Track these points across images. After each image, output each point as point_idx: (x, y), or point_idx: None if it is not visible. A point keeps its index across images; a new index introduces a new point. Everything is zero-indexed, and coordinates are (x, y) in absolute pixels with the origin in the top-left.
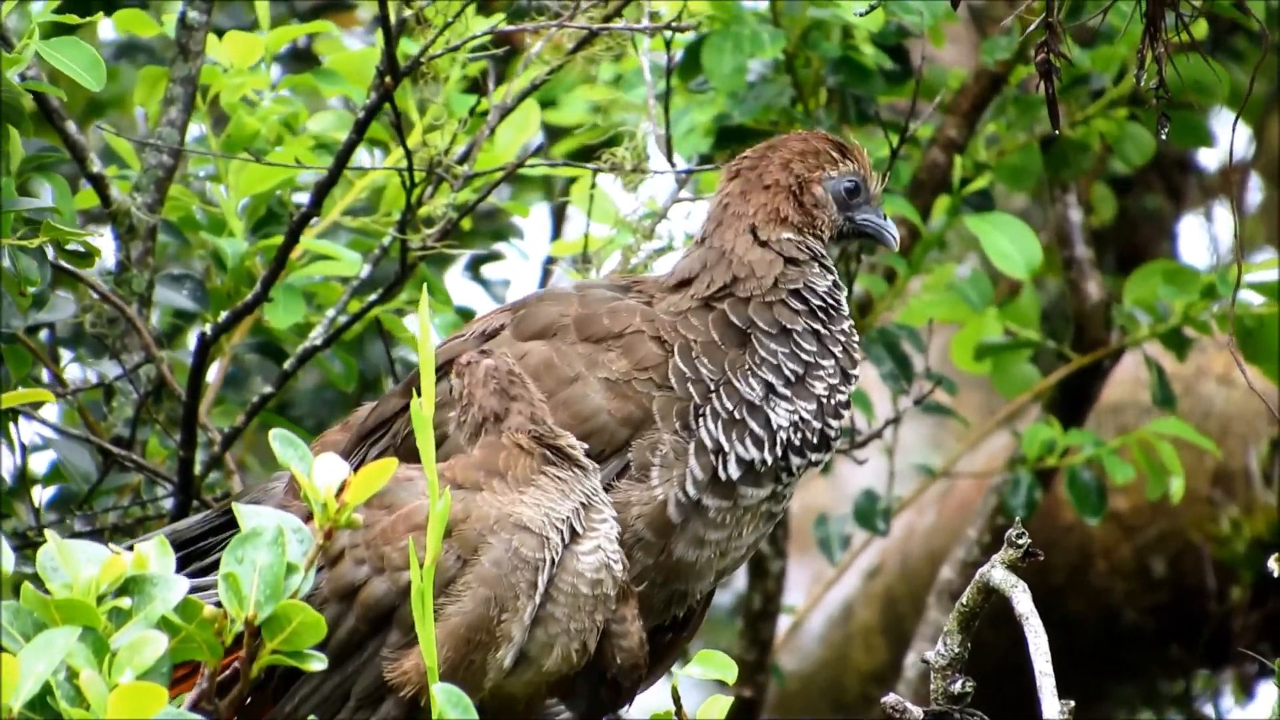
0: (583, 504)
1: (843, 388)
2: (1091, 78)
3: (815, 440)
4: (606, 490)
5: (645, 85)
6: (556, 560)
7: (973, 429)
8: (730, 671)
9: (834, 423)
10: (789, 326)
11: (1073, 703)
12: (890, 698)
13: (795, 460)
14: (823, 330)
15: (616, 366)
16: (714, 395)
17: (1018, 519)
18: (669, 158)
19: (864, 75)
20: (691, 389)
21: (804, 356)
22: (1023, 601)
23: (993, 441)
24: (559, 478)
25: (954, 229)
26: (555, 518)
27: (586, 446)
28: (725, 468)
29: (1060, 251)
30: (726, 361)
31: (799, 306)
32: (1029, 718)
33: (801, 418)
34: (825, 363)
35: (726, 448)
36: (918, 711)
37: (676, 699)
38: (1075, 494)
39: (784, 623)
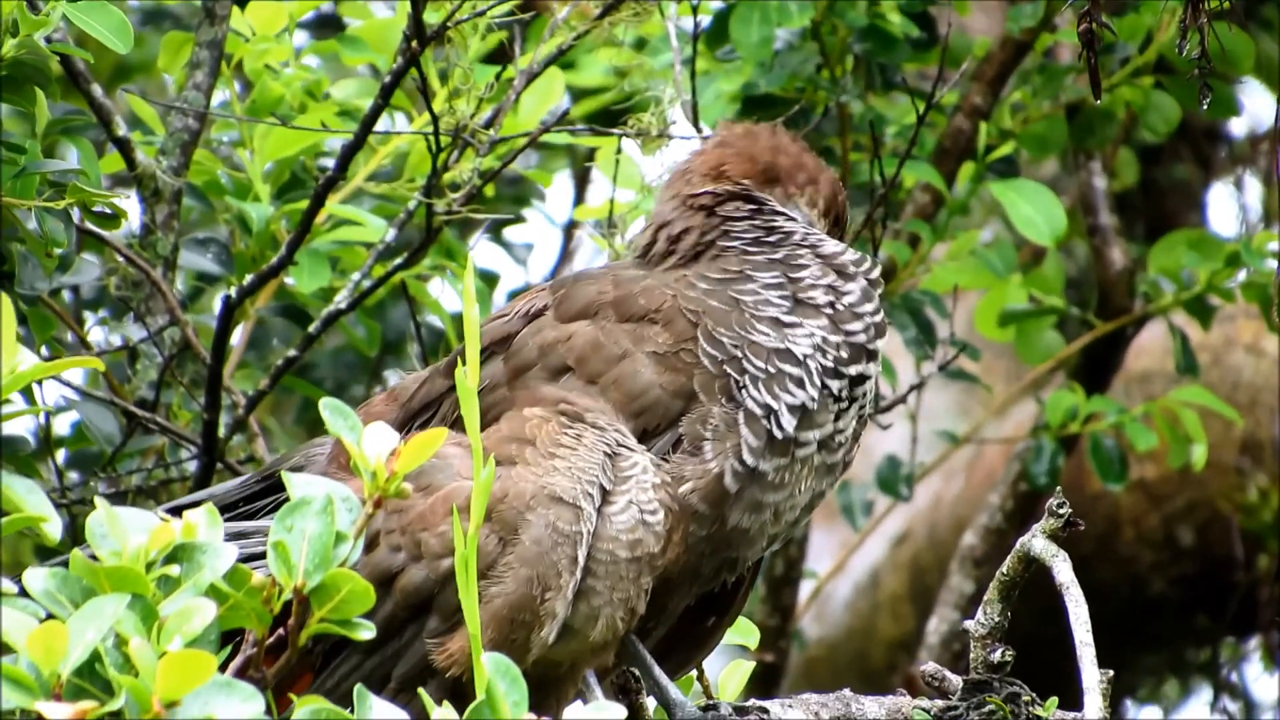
0: (607, 454)
1: (846, 288)
2: (1118, 46)
3: (847, 355)
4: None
5: (671, 51)
6: (592, 530)
7: (998, 396)
8: (752, 636)
9: (856, 326)
10: (746, 262)
11: (1111, 672)
12: (929, 666)
13: (835, 384)
14: (774, 254)
15: (662, 339)
16: (743, 360)
17: (1058, 489)
18: (695, 124)
19: (890, 43)
20: (727, 367)
21: (777, 281)
22: (1063, 571)
23: (1019, 410)
24: (579, 435)
25: (979, 197)
26: (586, 480)
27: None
28: (780, 425)
29: (1085, 219)
30: (735, 321)
31: (734, 243)
32: (1061, 688)
33: (821, 337)
34: (804, 274)
35: (775, 405)
36: (957, 680)
37: (698, 664)
38: (1097, 461)
39: (806, 589)
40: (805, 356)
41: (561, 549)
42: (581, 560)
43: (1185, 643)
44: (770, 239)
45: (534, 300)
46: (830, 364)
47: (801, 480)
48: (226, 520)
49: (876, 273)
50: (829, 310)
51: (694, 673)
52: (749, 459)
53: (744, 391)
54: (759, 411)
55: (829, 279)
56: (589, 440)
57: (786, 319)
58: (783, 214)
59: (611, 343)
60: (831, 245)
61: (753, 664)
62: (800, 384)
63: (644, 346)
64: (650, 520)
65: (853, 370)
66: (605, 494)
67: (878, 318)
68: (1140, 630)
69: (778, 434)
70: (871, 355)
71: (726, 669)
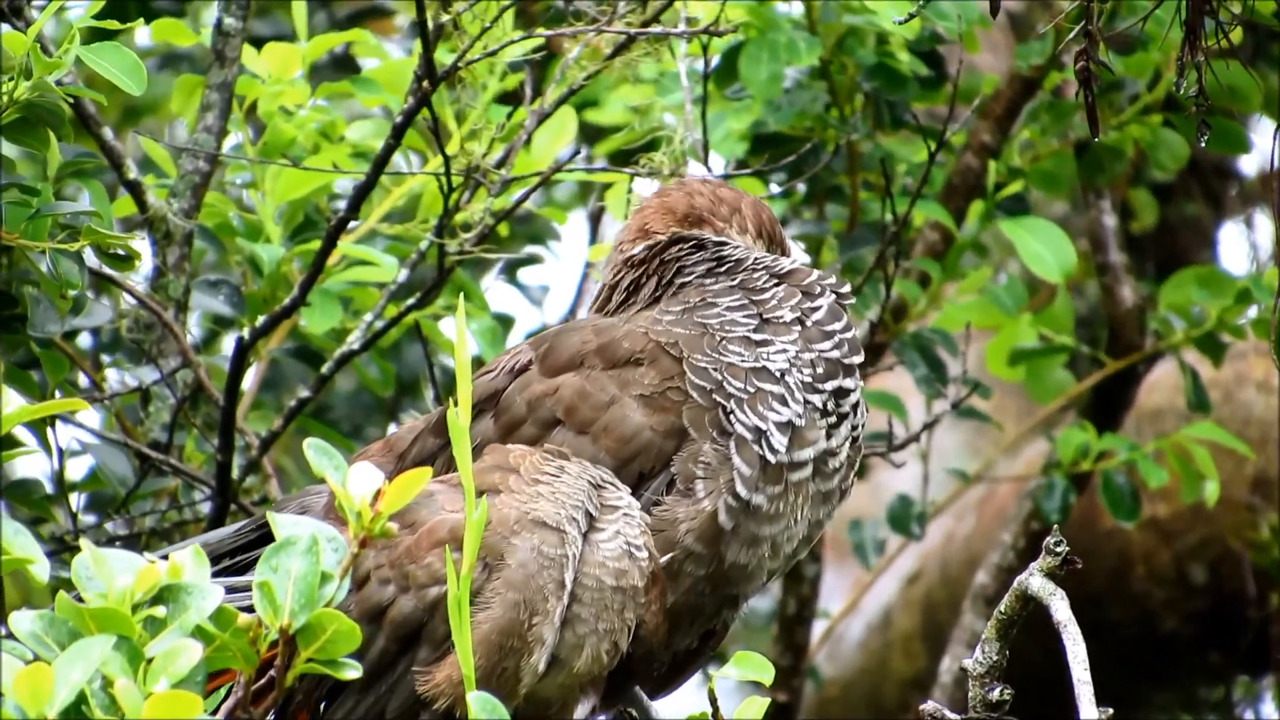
0: (593, 484)
1: (814, 304)
2: (1125, 83)
3: (823, 369)
4: (654, 506)
5: (682, 90)
6: (578, 555)
7: (1009, 435)
8: (767, 673)
9: (827, 344)
10: (705, 291)
11: (1110, 710)
12: (929, 705)
13: (818, 398)
14: (731, 280)
15: (648, 379)
16: (726, 385)
17: (1055, 527)
18: (705, 163)
19: (899, 81)
20: (715, 396)
21: (740, 303)
22: (1061, 609)
23: (1031, 448)
24: (561, 468)
25: (994, 236)
26: (570, 505)
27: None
28: (771, 448)
29: (1095, 257)
30: (706, 344)
31: (689, 277)
32: None
33: (794, 353)
34: (767, 294)
35: (764, 425)
36: (956, 718)
37: (714, 700)
38: (1109, 498)
39: (819, 628)
40: (782, 372)
41: (548, 573)
42: (568, 585)
43: (1198, 680)
44: (722, 268)
45: (518, 356)
46: (808, 379)
47: (797, 510)
48: (220, 569)
49: (846, 288)
50: (798, 327)
51: (709, 712)
52: (743, 491)
53: (732, 418)
54: (749, 436)
55: (794, 298)
56: (573, 470)
57: (756, 337)
58: (725, 243)
59: (598, 390)
60: (787, 263)
61: (767, 701)
62: (783, 400)
63: (630, 390)
64: (637, 555)
65: (830, 385)
66: (592, 521)
67: (849, 333)
68: (1152, 668)
69: (771, 457)
70: (849, 370)
71: (742, 705)
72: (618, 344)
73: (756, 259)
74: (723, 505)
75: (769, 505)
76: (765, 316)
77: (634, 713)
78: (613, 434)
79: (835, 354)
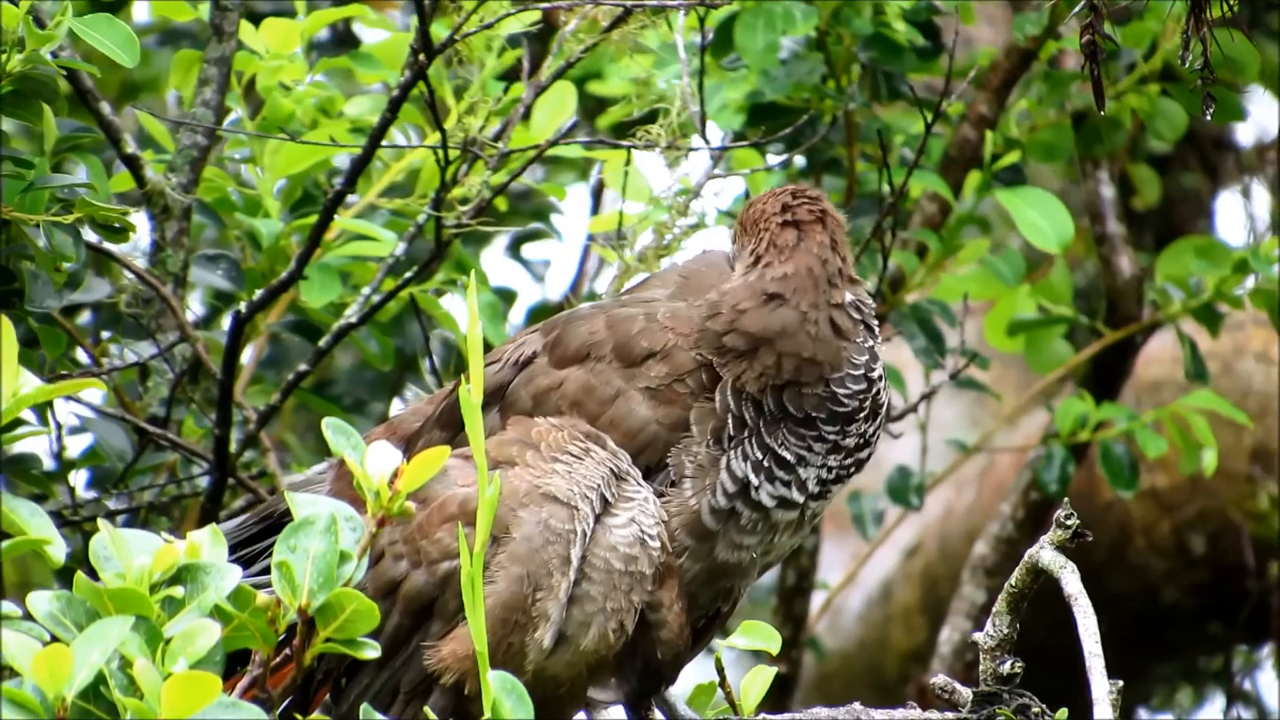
0: (614, 473)
1: (861, 431)
2: (1123, 53)
3: (848, 470)
4: (659, 498)
5: (679, 62)
6: (588, 532)
7: (1008, 406)
8: (774, 642)
9: (864, 454)
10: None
11: (1121, 682)
12: (940, 679)
13: (818, 488)
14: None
15: (655, 372)
16: (747, 439)
17: (1065, 500)
18: (703, 134)
19: (896, 52)
20: (729, 418)
21: (811, 438)
22: (1071, 582)
23: (1030, 419)
24: (588, 450)
25: (994, 208)
26: (585, 484)
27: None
28: (755, 493)
29: (1092, 227)
30: (761, 420)
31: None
32: (1071, 699)
33: (828, 466)
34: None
35: (756, 482)
36: (967, 692)
37: (720, 670)
38: (1108, 467)
39: (818, 600)
40: (806, 479)
41: (553, 547)
42: (575, 561)
43: (1198, 651)
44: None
45: (524, 346)
46: (830, 477)
47: (779, 532)
48: None
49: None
50: (846, 444)
51: (716, 679)
52: (723, 500)
53: (732, 449)
54: (738, 475)
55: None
56: (598, 456)
57: (809, 455)
58: None
59: (604, 384)
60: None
61: (774, 670)
62: (788, 485)
63: (636, 383)
64: (650, 543)
65: (834, 464)
66: (607, 505)
67: (869, 427)
68: (1153, 638)
69: (753, 495)
70: (860, 464)
71: (748, 676)
72: (635, 342)
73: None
74: (706, 505)
75: (749, 522)
76: (822, 440)
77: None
78: (619, 428)
79: (866, 455)
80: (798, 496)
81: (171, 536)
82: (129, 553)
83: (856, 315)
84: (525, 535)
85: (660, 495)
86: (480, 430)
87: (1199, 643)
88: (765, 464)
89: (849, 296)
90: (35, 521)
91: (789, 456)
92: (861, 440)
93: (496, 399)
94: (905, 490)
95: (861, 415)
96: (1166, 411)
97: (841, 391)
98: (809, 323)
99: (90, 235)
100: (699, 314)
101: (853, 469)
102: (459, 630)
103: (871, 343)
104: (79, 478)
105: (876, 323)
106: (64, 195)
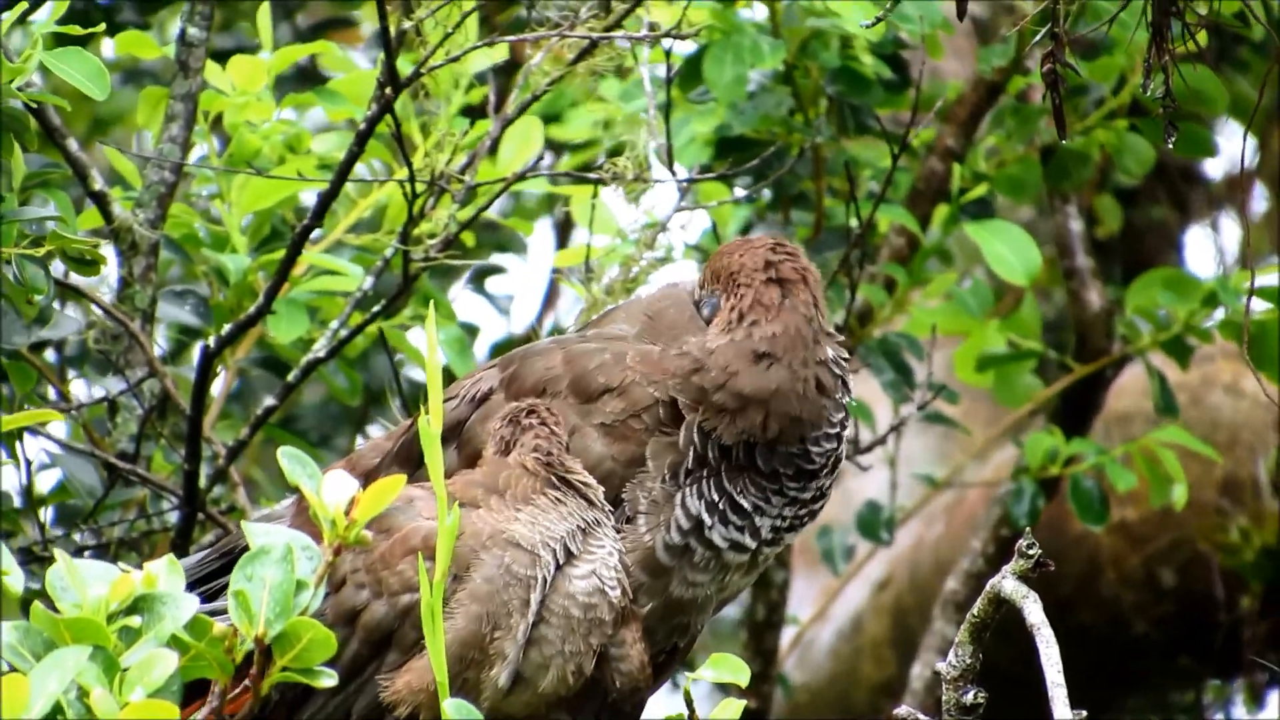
0: (581, 528)
1: (820, 478)
2: (1091, 88)
3: (802, 520)
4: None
5: (645, 96)
6: (548, 579)
7: (977, 440)
8: (743, 675)
9: (817, 506)
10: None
11: (1085, 713)
12: (902, 710)
13: (771, 535)
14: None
15: (610, 408)
16: (705, 478)
17: (1027, 530)
18: (670, 167)
19: (863, 85)
20: (691, 454)
21: (771, 491)
22: (1034, 612)
23: (999, 454)
24: (559, 500)
25: (958, 241)
26: (549, 536)
27: (597, 485)
28: (708, 532)
29: (1061, 261)
30: (723, 465)
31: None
32: None
33: (783, 516)
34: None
35: (709, 523)
36: None
37: (689, 702)
38: (1078, 502)
39: (789, 635)
40: (760, 527)
41: (513, 590)
42: (534, 605)
43: (1169, 683)
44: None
45: (481, 382)
46: (785, 526)
47: (731, 572)
48: None
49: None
50: (803, 497)
51: (685, 713)
52: (676, 537)
53: (687, 487)
54: (692, 512)
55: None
56: (567, 509)
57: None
58: None
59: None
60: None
61: (743, 703)
62: (741, 531)
63: (591, 419)
64: (610, 592)
65: (789, 515)
66: (570, 556)
67: (827, 482)
68: (1123, 672)
69: (706, 534)
70: (814, 514)
71: (718, 707)
72: (591, 377)
73: None
74: (660, 541)
75: (701, 560)
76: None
77: None
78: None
79: (819, 506)
80: (750, 542)
81: (127, 566)
82: (85, 583)
83: (838, 371)
84: (486, 576)
85: (616, 531)
86: (439, 461)
87: (1170, 675)
88: (720, 506)
89: (830, 353)
90: None
91: (745, 505)
92: (819, 492)
93: (454, 436)
94: (875, 525)
95: (824, 471)
96: (1136, 446)
97: (814, 450)
98: (798, 380)
99: (61, 269)
100: (677, 364)
101: (806, 519)
102: (415, 662)
103: (847, 398)
104: (48, 514)
105: (852, 375)
106: (33, 231)
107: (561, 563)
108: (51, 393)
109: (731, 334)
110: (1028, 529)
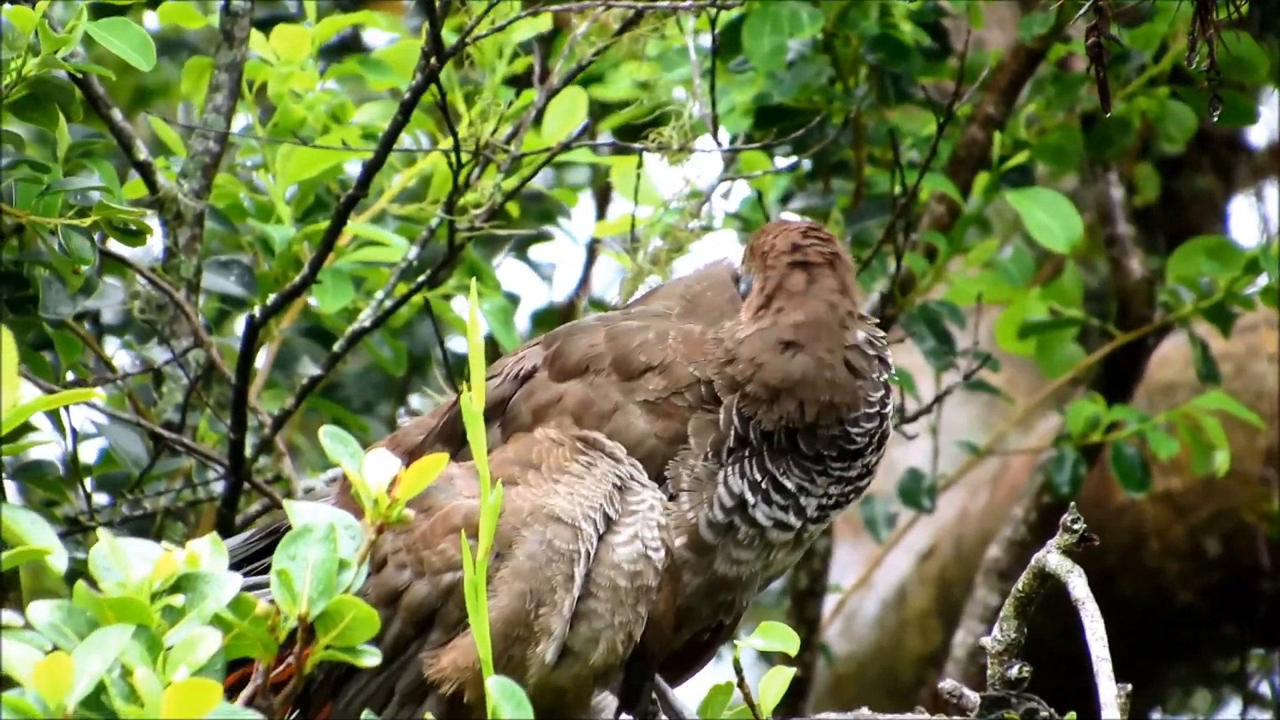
0: (616, 486)
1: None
2: (1132, 55)
3: (848, 498)
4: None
5: (689, 64)
6: (592, 552)
7: (1020, 409)
8: (792, 643)
9: (864, 483)
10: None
11: (1130, 686)
12: (947, 683)
13: (817, 514)
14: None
15: (653, 385)
16: (747, 458)
17: (1072, 504)
18: (715, 136)
19: (903, 53)
20: (732, 433)
21: (816, 471)
22: (1078, 586)
23: (1042, 422)
24: (591, 464)
25: (995, 211)
26: (588, 506)
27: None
28: (752, 510)
29: (1102, 229)
30: (766, 446)
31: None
32: (1084, 703)
33: (828, 495)
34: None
35: (752, 501)
36: (974, 697)
37: (739, 670)
38: (1120, 469)
39: (831, 603)
40: (805, 507)
41: (556, 565)
42: (579, 579)
43: (1213, 653)
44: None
45: (524, 359)
46: (830, 504)
47: (775, 549)
48: None
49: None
50: (847, 475)
51: (735, 679)
52: (720, 514)
53: (729, 466)
54: (735, 491)
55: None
56: (600, 470)
57: (808, 485)
58: None
59: (601, 397)
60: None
61: (792, 671)
62: (785, 510)
63: (634, 396)
64: (653, 556)
65: (834, 494)
66: (610, 522)
67: (874, 458)
68: (1167, 641)
69: (749, 511)
70: (860, 491)
71: (766, 676)
72: (634, 356)
73: None
74: (703, 519)
75: (745, 538)
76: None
77: (654, 694)
78: (617, 442)
79: (865, 484)
80: (795, 521)
81: (173, 546)
82: (128, 562)
83: (871, 351)
84: (528, 552)
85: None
86: (483, 437)
87: (1214, 645)
88: (764, 486)
89: (861, 335)
90: (36, 531)
91: (790, 485)
92: (864, 469)
93: (497, 414)
94: (917, 493)
95: (869, 449)
96: (1178, 413)
97: (855, 431)
98: (826, 367)
99: (106, 242)
100: (714, 350)
101: (853, 495)
102: (459, 640)
103: (885, 376)
104: (93, 482)
105: (889, 354)
106: (78, 200)
107: (603, 532)
108: (94, 361)
109: (759, 323)
110: (1073, 504)
